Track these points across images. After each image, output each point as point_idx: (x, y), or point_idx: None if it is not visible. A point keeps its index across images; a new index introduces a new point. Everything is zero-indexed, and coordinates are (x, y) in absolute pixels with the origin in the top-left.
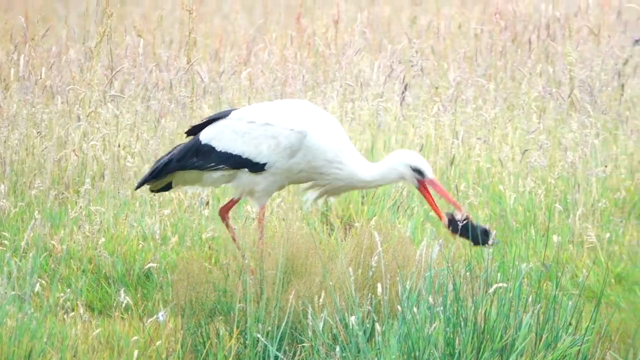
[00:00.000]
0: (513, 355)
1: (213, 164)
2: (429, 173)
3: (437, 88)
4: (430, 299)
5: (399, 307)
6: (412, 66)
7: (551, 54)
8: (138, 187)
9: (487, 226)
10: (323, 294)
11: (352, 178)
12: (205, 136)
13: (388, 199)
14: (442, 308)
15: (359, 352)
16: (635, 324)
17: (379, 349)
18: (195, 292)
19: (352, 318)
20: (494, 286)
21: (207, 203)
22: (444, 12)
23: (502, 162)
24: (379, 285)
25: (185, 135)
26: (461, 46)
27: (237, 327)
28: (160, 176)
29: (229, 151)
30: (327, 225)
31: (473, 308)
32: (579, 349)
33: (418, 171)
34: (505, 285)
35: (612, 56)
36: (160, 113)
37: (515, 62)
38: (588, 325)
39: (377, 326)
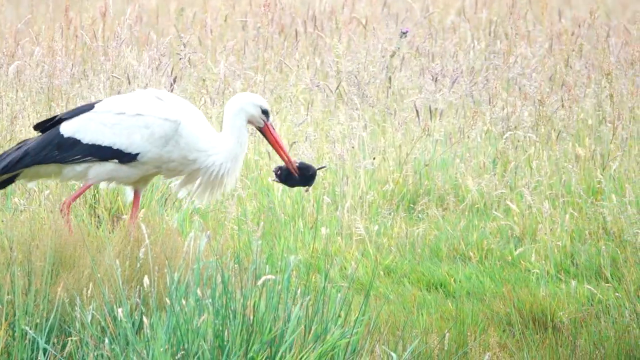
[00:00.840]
0: (282, 347)
1: (78, 157)
2: (271, 115)
3: (204, 80)
4: (199, 292)
5: (167, 299)
6: (180, 59)
7: (319, 46)
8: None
9: (309, 166)
10: (91, 286)
11: (228, 154)
12: (68, 129)
13: (156, 191)
14: (210, 300)
15: (127, 344)
16: (404, 316)
17: (147, 340)
18: None
19: (120, 310)
20: (263, 278)
21: None
22: (211, 4)
23: (270, 155)
24: (146, 277)
25: (34, 129)
26: (228, 38)
27: (6, 320)
28: (12, 170)
29: (97, 143)
30: (95, 217)
31: (242, 300)
32: (349, 341)
33: (266, 112)
34: (274, 277)
35: (380, 49)
36: None
37: (282, 55)
38: (357, 317)
39: (145, 318)
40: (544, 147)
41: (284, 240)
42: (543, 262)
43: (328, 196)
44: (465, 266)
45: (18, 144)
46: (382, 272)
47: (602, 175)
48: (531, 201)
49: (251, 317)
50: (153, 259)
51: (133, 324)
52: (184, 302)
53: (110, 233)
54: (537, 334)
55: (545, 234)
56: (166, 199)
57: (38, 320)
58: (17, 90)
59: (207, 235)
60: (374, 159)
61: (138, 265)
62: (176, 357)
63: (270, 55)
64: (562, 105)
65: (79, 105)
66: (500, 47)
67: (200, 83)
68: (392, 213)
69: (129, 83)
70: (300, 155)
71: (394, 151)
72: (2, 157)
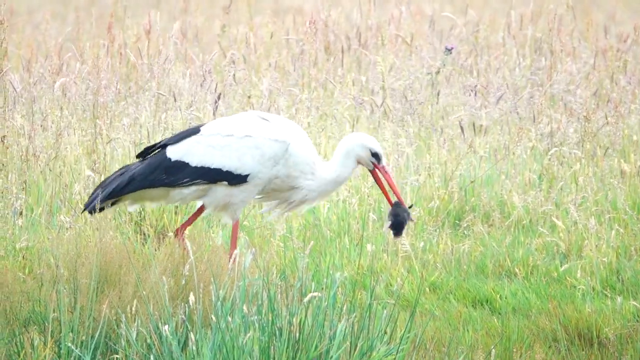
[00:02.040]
0: None
1: (187, 180)
2: (384, 158)
3: (249, 97)
4: (245, 308)
5: (212, 316)
6: (226, 74)
7: (364, 63)
8: (91, 207)
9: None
10: (136, 303)
11: (321, 185)
12: (175, 153)
13: None
14: (256, 317)
15: None
16: (450, 332)
17: (193, 358)
18: (9, 302)
19: (166, 327)
20: (309, 295)
21: (21, 213)
22: (256, 21)
23: None
24: (191, 294)
25: (136, 157)
26: (273, 56)
27: (52, 337)
28: (118, 195)
29: (206, 165)
30: (140, 234)
31: (288, 317)
32: (394, 358)
33: (375, 155)
34: (319, 294)
35: (425, 65)
36: None
37: (328, 72)
38: (403, 334)
39: (191, 335)
40: (589, 164)
41: (329, 257)
42: (589, 278)
43: (374, 213)
44: (511, 282)
45: (120, 169)
46: (427, 289)
47: None
48: (577, 217)
49: (297, 334)
50: (198, 276)
51: (178, 341)
52: (229, 319)
53: (156, 250)
54: (582, 350)
55: (591, 250)
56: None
57: (84, 338)
58: (62, 108)
59: (252, 252)
60: (420, 175)
61: (183, 282)
62: None
63: (315, 72)
64: (607, 122)
65: (124, 122)
66: (545, 63)
67: (245, 100)
68: (438, 230)
69: (175, 100)
70: None
71: (440, 168)
72: (107, 183)
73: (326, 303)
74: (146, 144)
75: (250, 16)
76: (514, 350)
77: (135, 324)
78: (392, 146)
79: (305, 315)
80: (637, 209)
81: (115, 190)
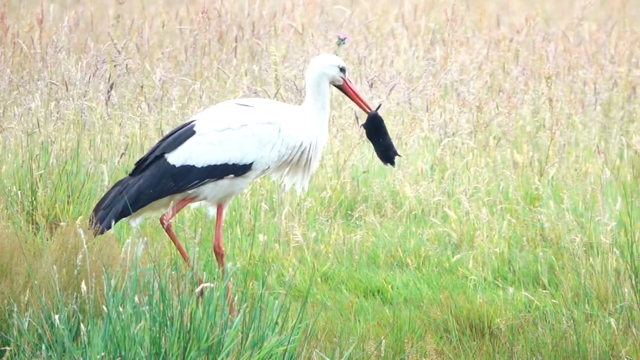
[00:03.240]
0: (220, 355)
1: (196, 181)
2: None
3: (142, 87)
4: (136, 298)
5: (104, 306)
6: (115, 65)
7: (257, 53)
8: (109, 226)
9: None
10: (28, 293)
11: (319, 127)
12: (178, 159)
13: (94, 198)
14: (148, 307)
15: (64, 351)
16: (342, 323)
17: (84, 347)
18: None
19: (57, 317)
20: (200, 285)
21: None
22: (150, 10)
23: None
24: (83, 284)
25: (129, 174)
26: (166, 45)
27: None
28: (129, 214)
29: (212, 163)
30: (32, 224)
31: (179, 307)
32: (286, 348)
33: (343, 69)
34: (211, 284)
35: (317, 54)
36: None
37: (220, 61)
38: (294, 324)
39: (82, 325)
40: (481, 154)
41: None
42: (480, 268)
43: (266, 203)
44: (403, 273)
45: (114, 187)
46: (319, 279)
47: (539, 182)
48: (469, 208)
49: (188, 325)
50: (90, 266)
51: (70, 330)
52: (121, 309)
53: (47, 240)
54: (474, 341)
55: (483, 240)
56: None
57: None
58: None
59: (144, 241)
60: None
61: (75, 272)
62: None
63: (208, 62)
64: (500, 112)
65: (15, 111)
66: (438, 54)
67: (138, 90)
68: (330, 220)
69: (67, 90)
70: None
71: (332, 158)
72: (108, 203)
73: (218, 293)
74: (38, 133)
75: (143, 6)
76: (406, 340)
77: (27, 314)
78: None
79: (197, 306)
80: (529, 200)
81: (125, 210)
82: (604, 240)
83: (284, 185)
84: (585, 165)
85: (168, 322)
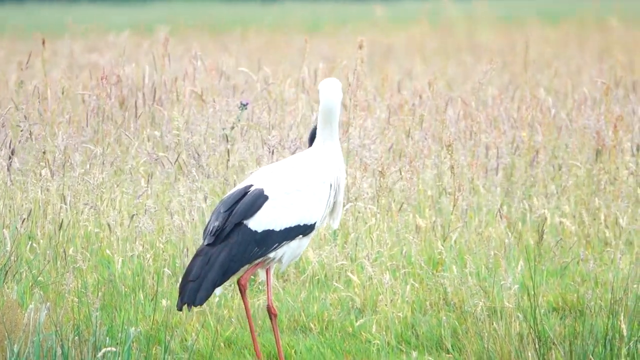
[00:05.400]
0: None
1: (276, 245)
2: None
3: (44, 153)
4: None
5: None
6: (20, 131)
7: (158, 118)
8: (207, 297)
9: None
10: None
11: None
12: (259, 225)
13: None
14: None
15: None
16: None
17: None
18: None
19: None
20: (103, 350)
21: None
22: (52, 76)
23: (110, 227)
24: None
25: (208, 245)
26: (68, 111)
27: None
28: (225, 280)
29: (289, 226)
30: None
31: None
32: None
33: None
34: (114, 349)
35: (219, 120)
36: None
37: (122, 127)
38: None
39: None
40: (384, 218)
41: (124, 312)
42: (384, 333)
43: (169, 268)
44: (306, 337)
45: (194, 258)
46: (222, 344)
47: (442, 246)
48: (372, 272)
49: None
50: None
51: None
52: None
53: None
54: None
55: (386, 305)
56: (7, 271)
57: None
58: None
59: (47, 307)
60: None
61: None
62: None
63: (110, 127)
64: (402, 177)
65: None
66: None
67: (40, 155)
68: (232, 285)
69: None
70: (140, 227)
71: None
72: (198, 275)
73: (120, 358)
74: None
75: (45, 72)
76: None
77: None
78: (187, 202)
79: None
80: (432, 264)
81: (219, 279)
82: (507, 305)
83: (332, 223)
84: (487, 230)
85: None
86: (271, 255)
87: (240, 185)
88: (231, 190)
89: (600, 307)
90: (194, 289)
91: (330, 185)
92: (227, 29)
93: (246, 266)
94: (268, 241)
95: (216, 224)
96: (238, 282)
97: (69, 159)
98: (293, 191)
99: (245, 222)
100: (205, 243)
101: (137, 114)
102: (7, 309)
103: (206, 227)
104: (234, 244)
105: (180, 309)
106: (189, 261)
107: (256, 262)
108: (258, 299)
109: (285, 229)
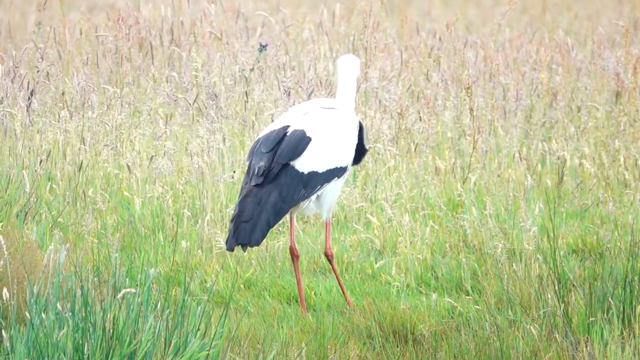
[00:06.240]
0: None
1: (318, 187)
2: None
3: (63, 94)
4: (59, 305)
5: (27, 313)
6: (37, 71)
7: (176, 59)
8: (260, 240)
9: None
10: None
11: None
12: (305, 166)
13: (15, 204)
14: (70, 314)
15: None
16: (264, 329)
17: (7, 354)
18: None
19: None
20: (122, 291)
21: None
22: (70, 17)
23: (130, 168)
24: (5, 290)
25: (255, 186)
26: (86, 52)
27: None
28: (278, 220)
29: (329, 168)
30: None
31: (102, 313)
32: (208, 353)
33: None
34: (133, 290)
35: (238, 62)
36: None
37: (140, 69)
38: (217, 330)
39: (4, 333)
40: (404, 160)
41: (144, 253)
42: (403, 275)
43: (188, 209)
44: (326, 279)
45: (247, 197)
46: (242, 285)
47: (462, 188)
48: (391, 214)
49: (111, 330)
50: (12, 273)
51: None
52: (43, 315)
53: None
54: (397, 347)
55: (406, 247)
56: (26, 213)
57: None
58: None
59: (67, 248)
60: (234, 172)
61: None
62: None
63: (128, 69)
64: (421, 119)
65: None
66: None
67: (59, 96)
68: None
69: None
70: (159, 168)
71: None
72: (250, 215)
73: (140, 299)
74: None
75: (63, 13)
76: (328, 347)
77: None
78: (206, 143)
79: (119, 311)
80: (452, 206)
81: (273, 220)
82: (527, 247)
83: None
84: (507, 172)
85: (90, 328)
86: (313, 197)
87: (275, 126)
88: (265, 131)
89: (620, 249)
90: (248, 229)
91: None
92: None
93: (292, 207)
94: (312, 182)
95: (261, 164)
96: (291, 250)
97: (87, 100)
98: (332, 133)
99: (292, 163)
100: (253, 184)
101: (153, 55)
102: (27, 250)
103: (249, 168)
104: (284, 185)
105: (231, 250)
106: (237, 202)
107: (302, 204)
108: (278, 241)
109: (327, 170)
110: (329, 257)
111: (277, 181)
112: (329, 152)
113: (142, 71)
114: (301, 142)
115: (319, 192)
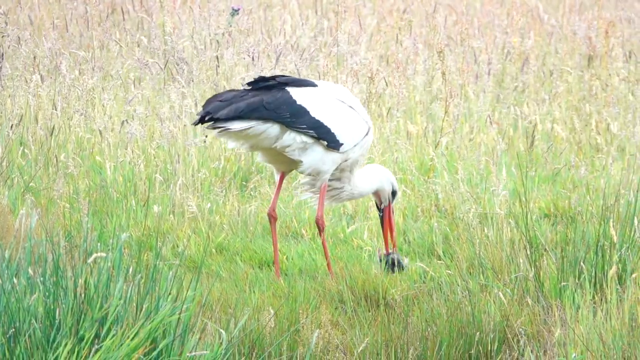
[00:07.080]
0: (113, 324)
1: (304, 127)
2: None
3: (34, 58)
4: (30, 270)
5: None
6: (5, 36)
7: (146, 23)
8: (217, 114)
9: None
10: None
11: (353, 190)
12: (299, 97)
13: None
14: (42, 279)
15: None
16: (236, 294)
17: None
18: None
19: None
20: (94, 256)
21: None
22: None
23: (102, 133)
24: None
25: (247, 84)
26: (57, 16)
27: None
28: (245, 117)
29: (321, 120)
30: None
31: (73, 278)
32: (179, 318)
33: (394, 193)
34: (104, 255)
35: (209, 26)
36: None
37: (111, 33)
38: (188, 295)
39: None
40: (375, 124)
41: (115, 218)
42: (375, 239)
43: (160, 174)
44: (298, 244)
45: (233, 91)
46: (214, 250)
47: (434, 152)
48: None
49: (82, 295)
50: None
51: None
52: (15, 280)
53: None
54: (369, 311)
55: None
56: None
57: None
58: None
59: (38, 212)
60: (206, 136)
61: None
62: (7, 336)
63: (99, 33)
64: (391, 82)
65: None
66: (328, 24)
67: (30, 61)
68: (224, 191)
69: None
70: (131, 133)
71: None
72: (227, 99)
73: (111, 264)
74: None
75: None
76: (300, 311)
77: None
78: (178, 107)
79: (90, 276)
80: (424, 170)
81: (244, 111)
82: (499, 211)
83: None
84: (479, 136)
85: (62, 293)
86: (298, 139)
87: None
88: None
89: (592, 213)
90: (221, 106)
91: (367, 134)
92: None
93: (273, 136)
94: (300, 117)
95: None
96: (269, 213)
97: (59, 64)
98: (342, 101)
99: (289, 88)
100: (243, 87)
101: (125, 19)
102: None
103: None
104: (271, 96)
105: (196, 124)
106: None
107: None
108: (250, 205)
109: (318, 120)
110: (319, 226)
111: (269, 92)
112: (326, 107)
113: (113, 35)
114: (307, 81)
115: (302, 139)
